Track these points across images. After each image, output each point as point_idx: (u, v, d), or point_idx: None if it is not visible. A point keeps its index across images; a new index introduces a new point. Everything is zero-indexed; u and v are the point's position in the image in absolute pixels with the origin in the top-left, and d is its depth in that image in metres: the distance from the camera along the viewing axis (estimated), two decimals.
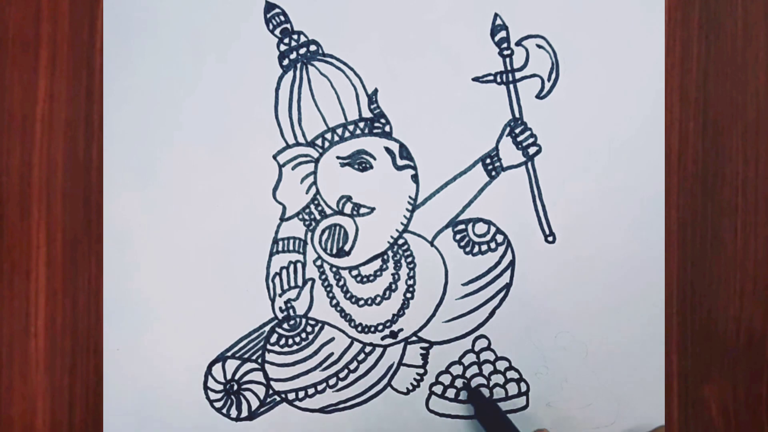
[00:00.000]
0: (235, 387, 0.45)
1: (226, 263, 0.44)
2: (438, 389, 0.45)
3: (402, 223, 0.45)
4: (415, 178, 0.45)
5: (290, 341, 0.45)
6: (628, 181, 0.45)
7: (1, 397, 0.45)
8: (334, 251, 0.44)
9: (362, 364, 0.45)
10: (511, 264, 0.45)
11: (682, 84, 0.45)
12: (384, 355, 0.45)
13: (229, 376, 0.45)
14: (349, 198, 0.45)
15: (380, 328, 0.45)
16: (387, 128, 0.45)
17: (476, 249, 0.45)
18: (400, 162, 0.45)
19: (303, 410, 0.45)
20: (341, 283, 0.45)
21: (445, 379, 0.45)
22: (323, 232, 0.44)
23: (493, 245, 0.45)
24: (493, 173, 0.45)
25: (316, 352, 0.45)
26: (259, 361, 0.45)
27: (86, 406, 0.45)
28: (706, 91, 0.45)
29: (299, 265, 0.45)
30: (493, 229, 0.45)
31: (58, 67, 0.45)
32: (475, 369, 0.45)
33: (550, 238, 0.45)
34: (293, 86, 0.45)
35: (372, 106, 0.45)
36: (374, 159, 0.45)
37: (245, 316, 0.45)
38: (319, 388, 0.45)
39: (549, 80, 0.45)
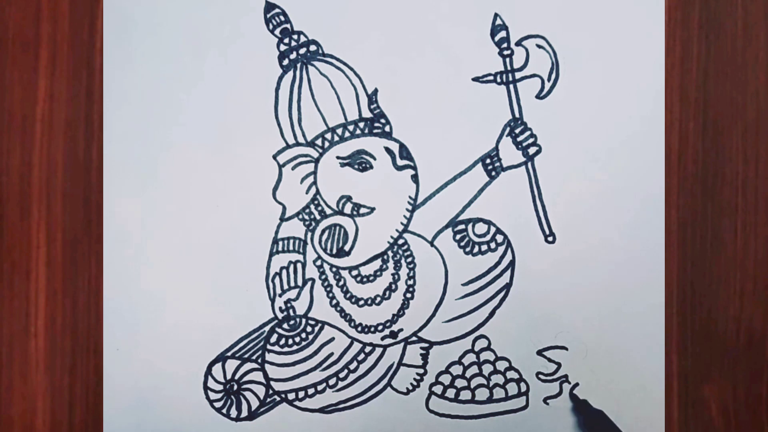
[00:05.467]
0: (235, 387, 0.45)
1: (226, 263, 0.44)
2: (438, 389, 0.45)
3: (402, 223, 0.45)
4: (415, 178, 0.45)
5: (290, 341, 0.45)
6: (628, 181, 0.45)
7: (1, 397, 0.45)
8: (334, 251, 0.44)
9: (362, 364, 0.45)
10: (511, 264, 0.45)
11: (682, 84, 0.45)
12: (384, 355, 0.45)
13: (229, 376, 0.45)
14: (349, 198, 0.45)
15: (380, 328, 0.45)
16: (387, 128, 0.45)
17: (476, 249, 0.45)
18: (400, 162, 0.45)
19: (303, 410, 0.45)
20: (341, 283, 0.45)
21: (445, 379, 0.45)
22: (323, 232, 0.44)
23: (493, 245, 0.45)
24: (493, 173, 0.45)
25: (316, 352, 0.45)
26: (259, 361, 0.45)
27: (86, 406, 0.45)
28: (706, 91, 0.45)
29: (299, 265, 0.45)
30: (493, 229, 0.45)
31: (58, 67, 0.45)
32: (475, 369, 0.45)
33: (550, 238, 0.45)
34: (293, 86, 0.45)
35: (372, 106, 0.45)
36: (374, 159, 0.45)
37: (245, 316, 0.45)
38: (319, 388, 0.45)
39: (549, 80, 0.45)
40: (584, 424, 0.44)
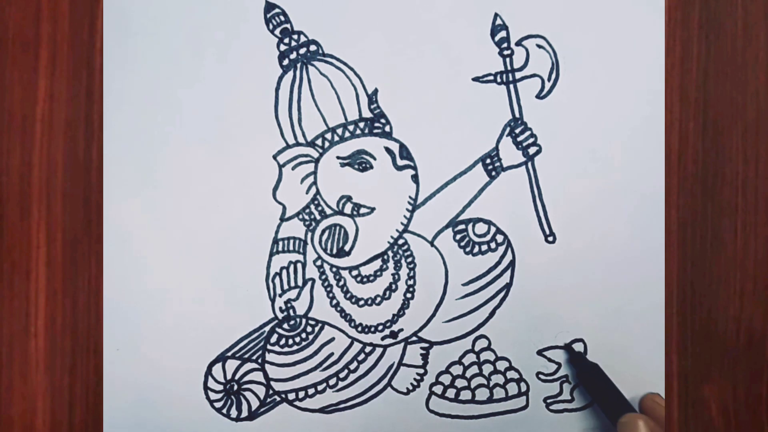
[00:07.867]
0: (235, 387, 0.45)
1: (226, 263, 0.44)
2: (438, 389, 0.45)
3: (402, 223, 0.45)
4: (415, 178, 0.45)
5: (290, 341, 0.45)
6: (628, 181, 0.45)
7: (1, 397, 0.45)
8: (334, 251, 0.44)
9: (362, 364, 0.45)
10: (511, 264, 0.45)
11: (682, 84, 0.45)
12: (384, 355, 0.45)
13: (229, 376, 0.45)
14: (349, 198, 0.45)
15: (380, 328, 0.45)
16: (387, 128, 0.45)
17: (476, 249, 0.45)
18: (400, 162, 0.45)
19: (303, 410, 0.45)
20: (341, 283, 0.45)
21: (445, 379, 0.45)
22: (323, 232, 0.44)
23: (493, 245, 0.45)
24: (493, 173, 0.45)
25: (316, 352, 0.45)
26: (259, 361, 0.45)
27: (86, 406, 0.45)
28: (706, 91, 0.45)
29: (299, 265, 0.45)
30: (493, 229, 0.45)
31: (58, 67, 0.45)
32: (475, 369, 0.45)
33: (550, 238, 0.45)
34: (293, 86, 0.45)
35: (372, 106, 0.45)
36: (374, 159, 0.45)
37: (245, 316, 0.45)
38: (319, 388, 0.45)
39: (549, 80, 0.45)
40: (579, 377, 0.44)
